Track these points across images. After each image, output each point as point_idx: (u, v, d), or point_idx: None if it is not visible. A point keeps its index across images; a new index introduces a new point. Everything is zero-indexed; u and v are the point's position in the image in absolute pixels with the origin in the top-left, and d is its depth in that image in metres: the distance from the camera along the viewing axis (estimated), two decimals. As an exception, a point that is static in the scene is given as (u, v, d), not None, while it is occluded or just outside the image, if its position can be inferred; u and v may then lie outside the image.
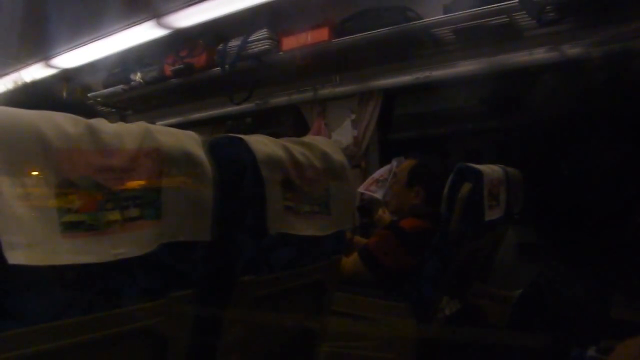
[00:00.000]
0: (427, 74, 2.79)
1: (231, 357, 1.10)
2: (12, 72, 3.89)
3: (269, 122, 3.97)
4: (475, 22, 2.43)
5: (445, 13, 2.52)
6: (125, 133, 0.86)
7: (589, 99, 0.92)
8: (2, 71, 3.91)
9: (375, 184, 2.75)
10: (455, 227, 1.79)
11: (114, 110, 4.12)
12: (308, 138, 1.29)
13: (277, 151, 1.11)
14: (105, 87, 4.01)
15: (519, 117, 1.11)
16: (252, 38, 3.11)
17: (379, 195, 2.68)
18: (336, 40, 2.86)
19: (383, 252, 2.07)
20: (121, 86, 3.84)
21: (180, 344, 0.96)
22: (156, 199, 0.88)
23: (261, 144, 1.09)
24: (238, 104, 3.46)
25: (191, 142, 0.95)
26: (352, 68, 3.09)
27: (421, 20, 2.63)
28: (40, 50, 3.60)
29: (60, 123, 0.77)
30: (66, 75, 3.83)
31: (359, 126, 3.06)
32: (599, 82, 0.92)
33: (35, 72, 3.75)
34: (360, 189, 2.78)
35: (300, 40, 2.96)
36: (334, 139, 3.04)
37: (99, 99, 4.01)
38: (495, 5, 2.31)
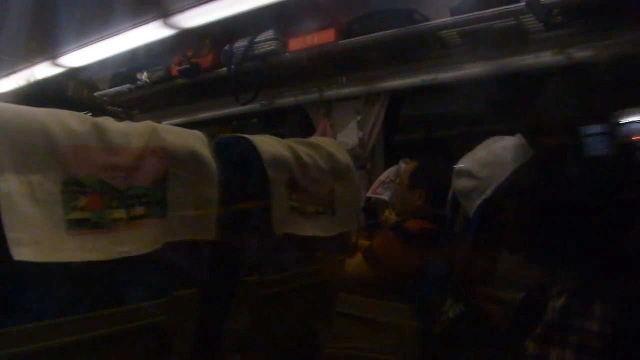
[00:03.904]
0: (433, 75, 2.79)
1: (234, 356, 1.10)
2: (20, 70, 3.90)
3: (274, 122, 3.97)
4: (481, 24, 2.42)
5: (451, 15, 2.51)
6: (131, 131, 0.86)
7: (596, 103, 0.92)
8: (11, 69, 3.92)
9: (382, 186, 2.74)
10: (460, 229, 1.79)
11: (120, 109, 4.14)
12: (314, 139, 1.30)
13: (282, 151, 1.11)
14: (112, 86, 4.02)
15: (525, 119, 1.11)
16: (258, 38, 3.11)
17: (386, 196, 2.68)
18: (343, 41, 2.85)
19: (387, 253, 2.07)
20: (127, 85, 3.85)
21: (184, 342, 0.96)
22: (162, 197, 0.89)
23: (267, 144, 1.09)
24: (244, 104, 3.46)
25: (197, 141, 0.95)
26: (359, 69, 3.08)
27: (428, 22, 2.62)
28: (48, 49, 3.61)
29: (68, 121, 0.77)
30: (73, 74, 3.84)
31: (365, 127, 3.06)
32: (606, 86, 0.92)
33: (42, 71, 3.76)
34: (369, 194, 2.78)
35: (307, 41, 2.96)
36: (340, 140, 3.04)
37: (105, 98, 4.02)
38: (502, 8, 2.30)
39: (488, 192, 1.31)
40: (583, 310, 0.88)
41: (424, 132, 3.29)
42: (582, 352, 0.86)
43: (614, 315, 0.86)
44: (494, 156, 1.36)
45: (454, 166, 1.52)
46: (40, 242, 0.71)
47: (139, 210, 0.85)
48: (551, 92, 1.03)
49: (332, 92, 3.20)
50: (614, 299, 0.87)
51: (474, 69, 2.65)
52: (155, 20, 3.03)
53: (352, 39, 2.81)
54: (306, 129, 3.37)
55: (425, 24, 2.62)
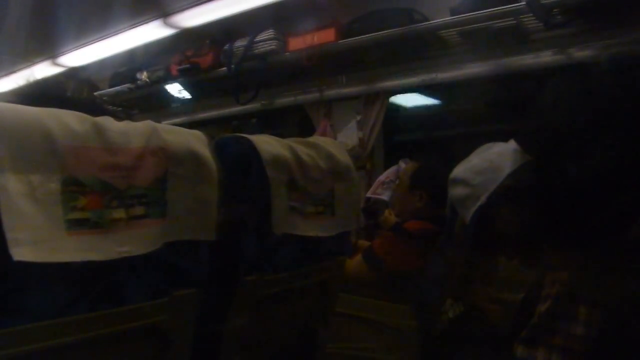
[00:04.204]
0: (433, 75, 2.79)
1: (234, 356, 1.10)
2: (20, 70, 3.90)
3: (274, 122, 3.97)
4: (481, 24, 2.42)
5: (451, 15, 2.51)
6: (131, 131, 0.86)
7: (597, 103, 0.92)
8: (10, 69, 3.92)
9: (381, 186, 2.74)
10: (460, 229, 1.79)
11: (120, 109, 4.13)
12: (314, 139, 1.29)
13: (282, 151, 1.11)
14: (112, 86, 4.02)
15: (526, 120, 1.12)
16: (258, 38, 3.11)
17: (385, 196, 2.67)
18: (342, 41, 2.85)
19: (387, 253, 2.07)
20: (127, 85, 3.85)
21: (183, 342, 0.96)
22: (161, 197, 0.88)
23: (267, 144, 1.09)
24: (244, 104, 3.46)
25: (197, 141, 0.95)
26: (358, 69, 3.08)
27: (428, 22, 2.63)
28: (48, 49, 3.61)
29: (67, 121, 0.77)
30: (73, 74, 3.85)
31: (365, 127, 3.06)
32: (607, 86, 0.92)
33: (42, 70, 3.76)
34: (368, 194, 2.78)
35: (307, 41, 2.96)
36: (340, 140, 3.04)
37: (105, 98, 4.02)
38: (502, 7, 2.30)
39: (483, 199, 1.32)
40: (568, 313, 0.89)
41: (424, 133, 3.29)
42: (567, 355, 0.87)
43: (600, 318, 0.86)
44: (488, 163, 1.37)
45: (452, 169, 1.53)
46: (40, 242, 0.71)
47: (139, 210, 0.85)
48: (549, 96, 1.03)
49: (332, 92, 3.20)
50: (600, 302, 0.88)
51: (473, 69, 2.65)
52: (155, 19, 3.03)
53: (352, 38, 2.82)
54: (306, 129, 3.37)
55: (425, 23, 2.63)
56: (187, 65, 3.43)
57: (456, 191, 1.41)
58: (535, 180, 1.04)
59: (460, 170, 1.43)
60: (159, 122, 0.95)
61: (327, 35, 2.89)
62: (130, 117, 3.99)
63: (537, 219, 1.00)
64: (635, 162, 0.86)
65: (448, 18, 2.52)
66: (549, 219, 0.96)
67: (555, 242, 0.98)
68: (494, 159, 1.34)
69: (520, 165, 1.25)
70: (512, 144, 1.30)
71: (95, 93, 4.02)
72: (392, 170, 2.76)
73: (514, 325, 1.30)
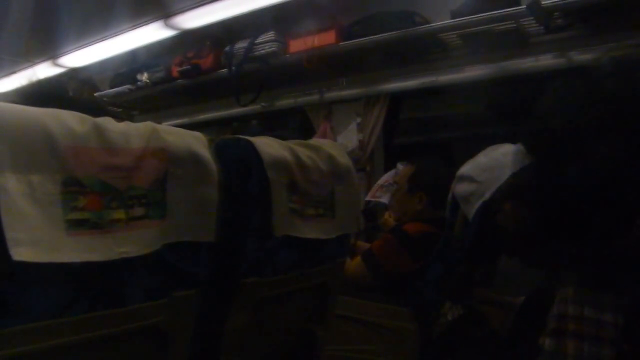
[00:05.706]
0: (433, 78, 2.79)
1: (234, 358, 1.10)
2: (21, 70, 3.90)
3: (275, 124, 3.97)
4: (482, 27, 2.42)
5: (452, 18, 2.51)
6: (131, 132, 0.86)
7: (597, 106, 0.92)
8: (11, 69, 3.92)
9: (380, 190, 2.74)
10: (459, 231, 1.79)
11: (120, 110, 4.13)
12: (314, 141, 1.29)
13: (283, 153, 1.11)
14: (112, 87, 4.02)
15: (528, 122, 1.12)
16: (259, 40, 3.11)
17: (384, 200, 2.68)
18: (343, 43, 2.85)
19: (386, 255, 2.07)
20: (128, 86, 3.85)
21: (182, 343, 0.96)
22: (161, 198, 0.88)
23: (267, 145, 1.09)
24: (244, 105, 3.46)
25: (197, 142, 0.95)
26: (359, 71, 3.09)
27: (428, 25, 2.63)
28: (49, 49, 3.61)
29: (67, 121, 0.77)
30: (74, 74, 3.85)
31: (365, 130, 3.06)
32: (608, 89, 0.92)
33: (43, 71, 3.76)
34: (368, 198, 2.78)
35: (307, 43, 2.96)
36: (340, 142, 3.04)
37: (105, 99, 4.02)
38: (503, 10, 2.31)
39: (487, 195, 1.32)
40: (595, 300, 0.88)
41: (424, 135, 3.29)
42: (599, 344, 0.86)
43: (624, 304, 0.85)
44: (494, 161, 1.37)
45: (456, 171, 1.53)
46: (39, 242, 0.70)
47: (139, 211, 0.85)
48: (550, 98, 1.04)
49: (332, 94, 3.20)
50: (620, 291, 0.87)
51: (474, 72, 2.66)
52: (156, 21, 3.03)
53: (353, 41, 2.82)
54: (306, 131, 3.38)
55: (425, 26, 2.63)
56: (188, 67, 3.44)
57: (462, 187, 1.42)
58: (538, 180, 1.04)
59: (466, 168, 1.44)
60: (159, 123, 0.95)
61: (328, 38, 2.89)
62: (130, 118, 3.99)
63: (539, 217, 1.00)
64: (636, 163, 0.86)
65: (448, 21, 2.52)
66: (551, 218, 0.96)
67: (556, 241, 0.98)
68: (499, 158, 1.35)
69: (523, 165, 1.26)
70: (518, 145, 1.31)
71: (95, 94, 4.02)
72: (390, 173, 2.77)
73: (514, 328, 1.30)
